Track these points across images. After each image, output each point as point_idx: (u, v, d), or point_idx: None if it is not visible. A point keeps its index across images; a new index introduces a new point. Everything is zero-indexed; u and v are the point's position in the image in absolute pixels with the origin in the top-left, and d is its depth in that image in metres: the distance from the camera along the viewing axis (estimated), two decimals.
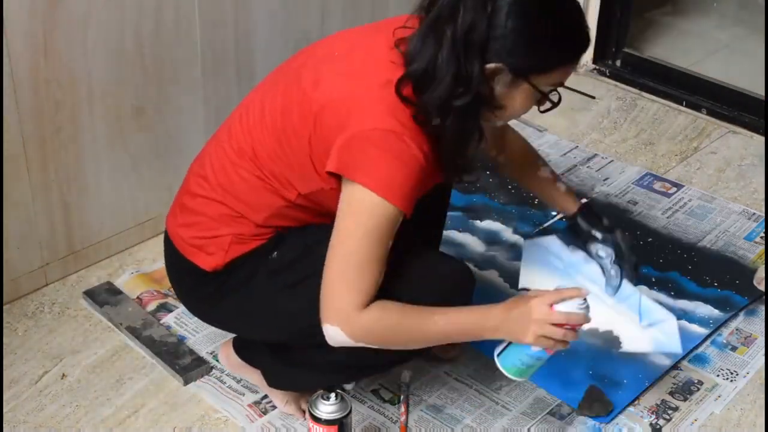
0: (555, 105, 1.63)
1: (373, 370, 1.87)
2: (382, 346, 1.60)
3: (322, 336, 1.60)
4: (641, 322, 2.09)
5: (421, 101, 1.55)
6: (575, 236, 2.07)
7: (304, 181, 1.65)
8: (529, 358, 1.64)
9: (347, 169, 1.55)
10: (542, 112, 1.64)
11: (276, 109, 1.67)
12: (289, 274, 1.71)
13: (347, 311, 1.56)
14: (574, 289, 1.62)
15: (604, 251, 2.03)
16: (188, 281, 1.80)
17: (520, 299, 1.65)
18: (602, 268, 2.03)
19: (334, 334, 1.57)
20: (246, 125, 1.71)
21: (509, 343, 1.65)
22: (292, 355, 1.81)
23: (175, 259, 1.80)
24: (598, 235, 2.03)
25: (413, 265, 1.69)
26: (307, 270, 1.66)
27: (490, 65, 1.53)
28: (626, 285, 2.03)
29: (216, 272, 1.73)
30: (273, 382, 1.89)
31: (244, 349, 1.94)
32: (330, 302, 1.57)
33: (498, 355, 1.67)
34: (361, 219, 1.54)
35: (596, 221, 2.05)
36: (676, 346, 2.07)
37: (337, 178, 1.58)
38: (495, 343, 1.68)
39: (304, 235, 1.72)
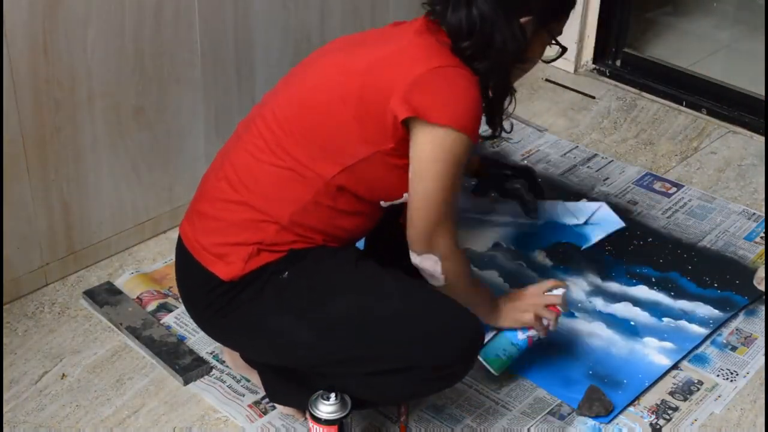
0: (564, 50, 1.77)
1: (369, 405, 1.88)
2: (441, 286, 1.76)
3: (321, 366, 1.72)
4: (581, 221, 2.24)
5: (465, 56, 1.67)
6: (486, 188, 2.27)
7: (346, 153, 1.66)
8: (512, 348, 1.92)
9: (422, 111, 1.60)
10: (549, 62, 1.78)
11: (308, 90, 1.70)
12: (294, 300, 1.69)
13: (452, 248, 1.73)
14: (557, 281, 1.95)
15: (518, 182, 2.22)
16: (201, 291, 1.75)
17: (517, 292, 1.93)
18: (519, 197, 2.22)
19: (428, 263, 1.73)
20: (272, 118, 1.70)
21: (492, 338, 1.92)
22: (294, 373, 1.82)
23: (190, 268, 1.75)
24: (509, 171, 2.24)
25: (425, 317, 1.72)
26: (313, 304, 1.68)
27: (524, 18, 1.65)
28: (544, 204, 2.24)
29: (231, 283, 1.69)
30: (271, 395, 1.89)
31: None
32: (438, 237, 1.70)
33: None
34: (448, 157, 1.63)
35: (503, 164, 2.29)
36: (618, 222, 2.26)
37: (401, 130, 1.62)
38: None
39: (319, 264, 1.70)
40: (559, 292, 1.91)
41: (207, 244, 1.72)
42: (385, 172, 1.68)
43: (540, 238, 2.35)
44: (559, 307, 1.91)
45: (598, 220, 2.25)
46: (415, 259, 1.74)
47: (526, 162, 2.78)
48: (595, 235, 2.21)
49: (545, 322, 1.91)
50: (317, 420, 1.72)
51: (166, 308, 2.19)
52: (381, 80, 1.63)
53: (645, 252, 2.42)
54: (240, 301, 1.70)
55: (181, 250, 1.79)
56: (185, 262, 1.77)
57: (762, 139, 2.94)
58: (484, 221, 2.30)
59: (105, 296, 2.21)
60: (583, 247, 2.16)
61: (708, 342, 2.16)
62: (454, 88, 1.62)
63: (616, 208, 2.58)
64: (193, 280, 1.76)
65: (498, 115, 1.79)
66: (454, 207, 1.70)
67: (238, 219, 1.70)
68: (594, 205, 2.26)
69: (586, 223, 2.26)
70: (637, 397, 2.00)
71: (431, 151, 1.62)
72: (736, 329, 2.20)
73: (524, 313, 1.90)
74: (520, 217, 2.27)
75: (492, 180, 2.25)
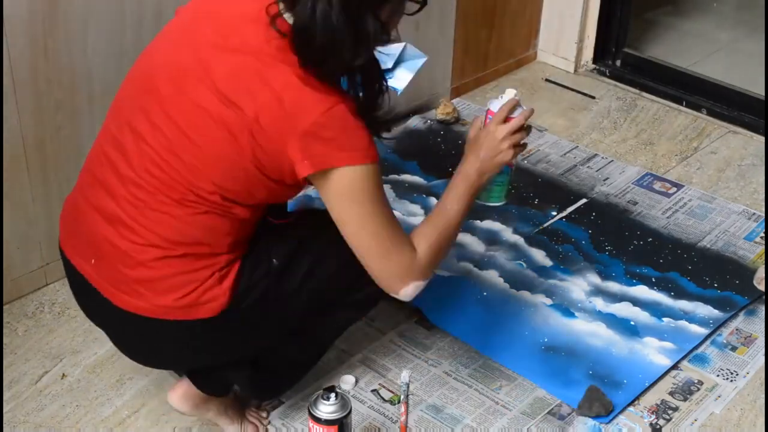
0: (424, 4, 1.62)
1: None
2: (441, 259, 1.70)
3: (357, 290, 1.78)
4: (389, 65, 1.96)
5: (324, 70, 1.52)
6: None
7: (252, 197, 1.62)
8: (504, 176, 1.79)
9: (325, 161, 1.54)
10: (412, 14, 1.62)
11: (192, 138, 1.58)
12: (300, 263, 1.74)
13: (411, 267, 1.65)
14: (508, 102, 1.75)
15: None
16: (182, 340, 1.70)
17: (475, 140, 1.75)
18: None
19: (413, 291, 1.67)
20: (160, 167, 1.59)
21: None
22: (268, 363, 1.84)
23: (159, 330, 1.67)
24: None
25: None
26: (313, 252, 1.75)
27: (384, 9, 1.52)
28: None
29: (224, 312, 1.66)
30: (257, 393, 1.91)
31: (208, 382, 1.85)
32: (398, 274, 1.64)
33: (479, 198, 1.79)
34: (365, 196, 1.58)
35: None
36: (420, 56, 1.89)
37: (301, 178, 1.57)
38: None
39: (284, 235, 1.77)
40: (517, 111, 1.74)
41: (171, 303, 1.64)
42: (281, 193, 1.66)
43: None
44: (526, 118, 1.75)
45: (405, 58, 2.01)
46: (405, 296, 1.68)
47: (526, 162, 2.79)
48: (404, 76, 1.98)
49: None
50: (317, 420, 1.72)
51: None
52: (271, 126, 1.53)
53: (645, 252, 2.42)
54: (244, 314, 1.69)
55: (136, 322, 1.67)
56: (149, 329, 1.68)
57: (762, 139, 2.94)
58: None
59: None
60: (398, 91, 1.95)
61: (708, 342, 2.16)
62: (344, 125, 1.54)
63: (616, 208, 2.59)
64: (170, 336, 1.70)
65: (375, 118, 1.65)
66: (398, 235, 1.64)
67: (189, 268, 1.64)
68: (397, 47, 2.01)
69: (394, 67, 2.03)
70: (637, 397, 2.00)
71: (348, 194, 1.58)
72: (736, 329, 2.20)
73: (506, 155, 1.72)
74: None
75: None
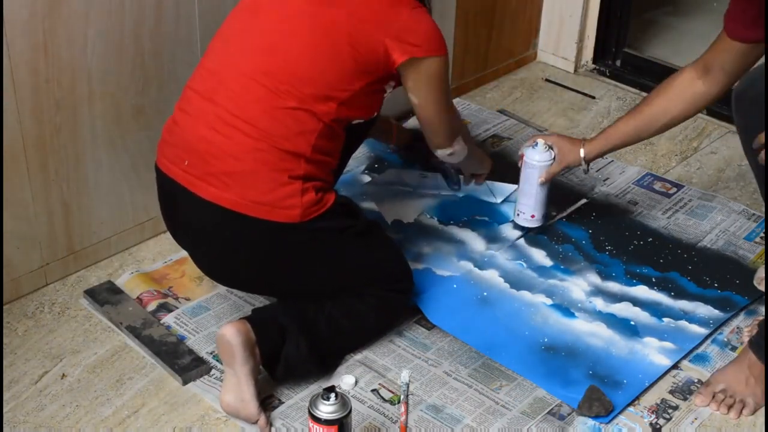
0: None
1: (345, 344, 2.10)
2: (464, 153, 2.26)
3: (394, 280, 2.10)
4: (498, 200, 2.54)
5: None
6: (411, 159, 2.64)
7: (343, 87, 1.90)
8: None
9: (416, 51, 1.93)
10: None
11: (288, 36, 1.89)
12: (371, 240, 2.06)
13: (462, 125, 2.31)
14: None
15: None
16: (262, 242, 1.90)
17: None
18: (444, 171, 2.53)
19: (458, 147, 2.21)
20: (262, 62, 1.88)
21: None
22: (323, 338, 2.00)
23: (240, 228, 1.88)
24: None
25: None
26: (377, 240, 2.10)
27: None
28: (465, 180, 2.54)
29: (296, 225, 1.88)
30: (311, 357, 1.98)
31: (265, 327, 1.92)
32: (451, 136, 2.19)
33: None
34: (442, 82, 2.04)
35: None
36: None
37: (392, 65, 1.94)
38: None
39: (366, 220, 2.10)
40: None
41: (255, 197, 1.86)
42: (369, 96, 1.97)
43: (460, 210, 2.52)
44: None
45: (514, 200, 2.49)
46: (447, 151, 2.20)
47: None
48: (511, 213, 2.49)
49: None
50: (317, 420, 1.72)
51: (166, 308, 2.19)
52: (366, 23, 1.89)
53: (645, 252, 2.42)
54: (318, 232, 1.92)
55: (217, 213, 1.88)
56: (230, 222, 1.88)
57: None
58: (411, 193, 2.56)
59: (106, 295, 2.21)
60: (500, 223, 2.47)
61: (708, 341, 2.16)
62: (427, 23, 1.96)
63: (617, 208, 2.59)
64: (247, 235, 1.90)
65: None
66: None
67: (274, 166, 1.86)
68: (510, 187, 2.52)
69: (502, 202, 2.52)
70: (637, 397, 2.00)
71: (431, 79, 1.99)
72: (737, 328, 2.20)
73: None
74: (443, 189, 2.55)
75: (419, 152, 2.55)
